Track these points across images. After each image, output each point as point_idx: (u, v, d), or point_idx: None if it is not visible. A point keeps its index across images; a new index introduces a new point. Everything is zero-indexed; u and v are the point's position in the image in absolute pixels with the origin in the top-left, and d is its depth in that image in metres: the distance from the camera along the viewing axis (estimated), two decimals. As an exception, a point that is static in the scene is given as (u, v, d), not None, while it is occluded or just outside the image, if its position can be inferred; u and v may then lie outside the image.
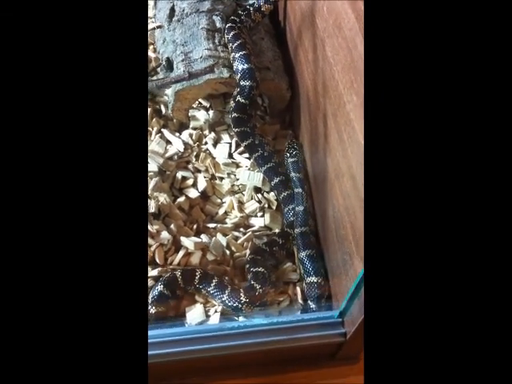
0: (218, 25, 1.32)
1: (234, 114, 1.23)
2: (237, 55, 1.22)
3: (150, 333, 0.86)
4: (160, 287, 0.99)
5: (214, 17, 1.32)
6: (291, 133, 1.33)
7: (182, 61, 1.23)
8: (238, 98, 1.21)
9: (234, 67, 1.23)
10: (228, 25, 1.29)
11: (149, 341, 0.84)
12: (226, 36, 1.28)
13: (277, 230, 1.16)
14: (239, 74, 1.21)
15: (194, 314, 1.00)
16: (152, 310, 0.98)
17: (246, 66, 1.20)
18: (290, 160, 1.22)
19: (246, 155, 1.27)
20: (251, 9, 1.35)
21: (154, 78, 1.34)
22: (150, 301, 0.99)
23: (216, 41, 1.28)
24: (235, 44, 1.24)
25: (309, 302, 1.02)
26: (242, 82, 1.21)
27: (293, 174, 1.19)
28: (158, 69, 1.33)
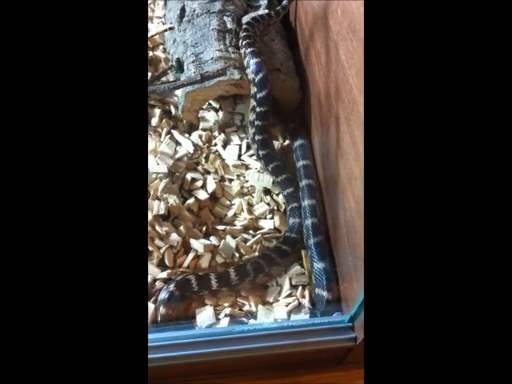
0: (229, 26, 1.31)
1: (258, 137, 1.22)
2: (257, 89, 1.19)
3: (158, 335, 0.86)
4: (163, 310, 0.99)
5: (225, 18, 1.32)
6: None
7: (193, 62, 1.23)
8: (257, 137, 1.21)
9: (254, 97, 1.21)
10: (245, 41, 1.24)
11: (157, 343, 0.84)
12: (244, 52, 1.23)
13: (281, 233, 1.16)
14: (255, 115, 1.21)
15: (203, 317, 1.00)
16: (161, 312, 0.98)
17: (263, 103, 1.19)
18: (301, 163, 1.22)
19: (256, 157, 1.27)
20: (255, 23, 1.32)
21: (164, 79, 1.34)
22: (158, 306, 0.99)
23: (227, 42, 1.27)
24: (255, 70, 1.19)
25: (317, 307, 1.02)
26: (258, 108, 1.20)
27: (304, 182, 1.19)
28: (169, 70, 1.33)
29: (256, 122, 1.20)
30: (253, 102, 1.21)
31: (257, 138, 1.21)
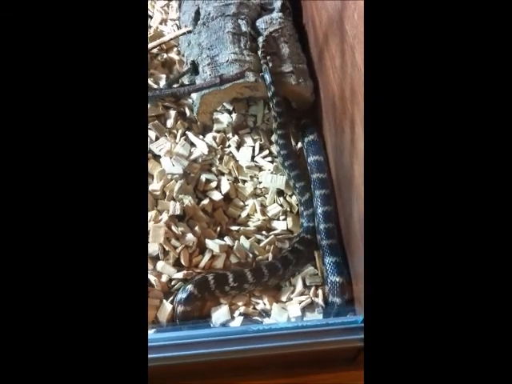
0: (244, 29, 1.32)
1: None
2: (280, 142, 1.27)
3: (174, 334, 0.88)
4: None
5: (240, 21, 1.33)
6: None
7: (208, 64, 1.25)
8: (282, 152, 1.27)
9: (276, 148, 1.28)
10: (268, 75, 1.25)
11: (172, 342, 0.85)
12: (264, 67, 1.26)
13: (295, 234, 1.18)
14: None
15: (219, 314, 1.01)
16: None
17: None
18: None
19: (269, 159, 1.29)
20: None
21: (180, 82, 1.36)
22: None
23: (242, 45, 1.29)
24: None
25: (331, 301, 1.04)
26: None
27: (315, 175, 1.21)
28: (186, 73, 1.35)
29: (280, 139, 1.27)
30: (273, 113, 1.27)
31: (282, 152, 1.26)
